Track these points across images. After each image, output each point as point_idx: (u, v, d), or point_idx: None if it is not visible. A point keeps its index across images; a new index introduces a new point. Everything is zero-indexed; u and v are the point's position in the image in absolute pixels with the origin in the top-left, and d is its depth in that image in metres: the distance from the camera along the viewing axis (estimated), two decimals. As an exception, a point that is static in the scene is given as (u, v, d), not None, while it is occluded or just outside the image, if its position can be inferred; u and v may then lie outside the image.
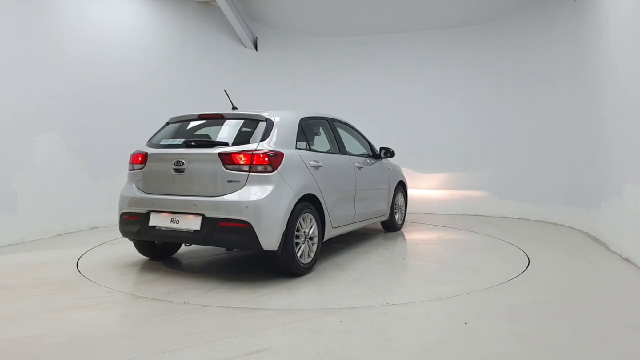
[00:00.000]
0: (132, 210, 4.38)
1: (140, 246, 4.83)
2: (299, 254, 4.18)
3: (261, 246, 3.89)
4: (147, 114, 7.28)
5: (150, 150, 4.46)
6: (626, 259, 4.73)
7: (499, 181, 8.13)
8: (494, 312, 3.36)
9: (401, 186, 6.72)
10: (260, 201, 3.88)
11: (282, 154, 4.14)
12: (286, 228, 4.00)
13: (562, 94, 7.14)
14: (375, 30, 8.78)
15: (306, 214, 4.30)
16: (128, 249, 5.40)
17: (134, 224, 4.36)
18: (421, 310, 3.36)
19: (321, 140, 5.34)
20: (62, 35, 6.41)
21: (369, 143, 6.07)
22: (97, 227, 6.83)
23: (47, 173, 6.16)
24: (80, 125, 6.61)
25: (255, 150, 4.02)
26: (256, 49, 9.17)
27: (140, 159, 4.47)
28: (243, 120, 4.41)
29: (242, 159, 3.98)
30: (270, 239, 3.91)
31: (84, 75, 6.67)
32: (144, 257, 5.01)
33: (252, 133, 4.21)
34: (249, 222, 3.84)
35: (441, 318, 3.22)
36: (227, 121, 4.48)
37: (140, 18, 7.61)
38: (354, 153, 5.68)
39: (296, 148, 4.43)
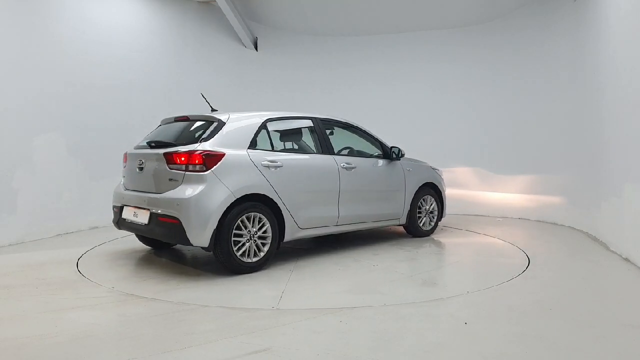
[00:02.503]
0: (115, 204, 4.97)
1: (140, 236, 5.28)
2: (239, 253, 4.26)
3: (190, 242, 4.10)
4: (147, 114, 7.27)
5: (129, 151, 4.94)
6: (626, 259, 4.73)
7: (498, 181, 8.13)
8: (494, 312, 3.36)
9: (430, 189, 6.21)
10: (189, 199, 4.06)
11: (222, 154, 4.24)
12: (219, 226, 4.13)
13: (562, 94, 7.14)
14: (376, 30, 8.78)
15: (253, 213, 4.35)
16: (128, 249, 5.42)
17: (115, 216, 4.94)
18: (421, 310, 3.36)
19: (305, 140, 5.33)
20: (63, 35, 6.41)
21: (381, 143, 5.76)
22: (97, 227, 6.83)
23: (47, 173, 6.16)
24: (80, 125, 6.61)
25: (193, 150, 4.21)
26: (256, 49, 9.17)
27: (125, 158, 4.99)
28: (199, 122, 4.65)
29: (182, 158, 4.20)
30: (198, 236, 4.08)
31: (84, 75, 6.67)
32: (144, 257, 5.04)
33: (200, 134, 4.44)
34: (178, 219, 4.08)
35: (441, 318, 3.22)
36: (190, 123, 4.74)
37: (140, 18, 7.61)
38: (366, 153, 5.60)
39: (252, 148, 4.50)
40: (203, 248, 4.17)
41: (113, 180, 6.71)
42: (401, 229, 6.37)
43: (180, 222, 4.07)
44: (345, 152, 5.62)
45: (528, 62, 7.72)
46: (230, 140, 4.40)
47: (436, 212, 6.32)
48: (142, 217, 4.43)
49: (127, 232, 5.31)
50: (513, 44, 7.89)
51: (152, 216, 4.31)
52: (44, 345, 2.79)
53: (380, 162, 5.69)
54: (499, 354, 2.65)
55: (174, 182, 4.22)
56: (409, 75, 8.69)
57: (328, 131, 5.48)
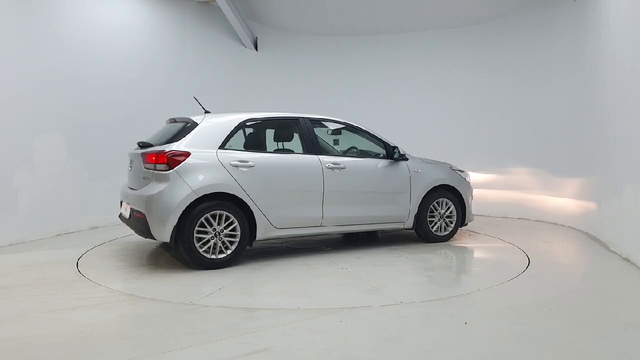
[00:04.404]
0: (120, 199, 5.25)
1: None
2: (202, 249, 4.42)
3: (153, 236, 4.38)
4: (147, 114, 7.27)
5: (129, 151, 5.23)
6: (626, 259, 4.73)
7: (498, 181, 8.13)
8: (494, 312, 3.36)
9: (448, 191, 5.77)
10: (152, 196, 4.35)
11: (187, 154, 4.44)
12: (180, 222, 4.32)
13: (562, 94, 7.14)
14: (375, 30, 8.78)
15: (219, 211, 4.47)
16: (127, 249, 5.42)
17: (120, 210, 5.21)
18: (421, 310, 3.36)
19: (294, 140, 5.35)
20: (63, 35, 6.41)
21: (384, 143, 5.53)
22: (97, 227, 6.83)
23: (47, 173, 6.16)
24: (80, 125, 6.60)
25: (159, 150, 4.49)
26: (256, 49, 9.17)
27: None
28: (181, 124, 4.89)
29: (153, 158, 4.47)
30: (159, 231, 4.34)
31: (83, 75, 6.66)
32: (143, 256, 5.06)
33: (175, 135, 4.69)
34: (144, 214, 4.38)
35: (441, 318, 3.22)
36: (175, 124, 5.00)
37: (140, 18, 7.61)
38: (371, 153, 5.52)
39: (223, 148, 4.64)
40: (167, 243, 4.38)
41: (113, 180, 6.74)
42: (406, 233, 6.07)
43: (146, 218, 4.36)
44: (354, 152, 5.59)
45: (528, 62, 7.71)
46: (201, 141, 4.59)
47: (455, 217, 5.83)
48: (127, 212, 4.83)
49: (127, 231, 5.33)
50: (513, 43, 7.88)
51: (131, 211, 4.68)
52: (44, 345, 2.79)
53: (381, 162, 5.46)
54: (499, 354, 2.65)
55: (146, 180, 4.55)
56: (408, 75, 8.68)
57: (338, 133, 5.46)
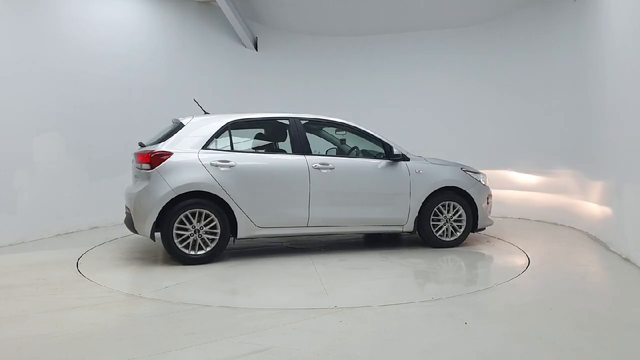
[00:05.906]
0: None
1: None
2: (181, 245, 4.59)
3: (137, 231, 4.68)
4: (147, 114, 7.27)
5: (132, 151, 5.38)
6: (626, 259, 4.73)
7: (498, 181, 8.12)
8: (494, 312, 3.36)
9: (456, 194, 5.40)
10: (136, 193, 4.66)
11: (168, 154, 4.65)
12: (160, 219, 4.54)
13: (562, 94, 7.13)
14: (376, 30, 8.77)
15: (199, 209, 4.63)
16: (128, 249, 5.42)
17: None
18: (421, 310, 3.36)
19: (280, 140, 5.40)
20: (62, 35, 6.41)
21: (383, 143, 5.32)
22: (97, 227, 6.83)
23: (47, 173, 6.15)
24: (80, 125, 6.60)
25: (145, 150, 4.77)
26: (256, 49, 9.17)
27: None
28: (174, 124, 5.11)
29: (140, 158, 4.76)
30: (141, 226, 4.62)
31: (84, 75, 6.66)
32: (143, 256, 5.07)
33: (164, 136, 4.94)
34: (130, 210, 4.72)
35: (441, 318, 3.22)
36: (171, 125, 5.20)
37: (141, 18, 7.60)
38: (373, 153, 5.42)
39: (206, 149, 4.80)
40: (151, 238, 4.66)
41: (113, 180, 6.76)
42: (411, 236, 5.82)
43: (131, 213, 4.69)
44: (354, 152, 5.52)
45: (528, 62, 7.69)
46: (185, 142, 4.79)
47: (464, 221, 5.43)
48: (125, 210, 5.10)
49: (127, 231, 5.34)
50: (513, 43, 7.86)
51: (125, 208, 5.01)
52: (44, 345, 2.79)
53: (377, 162, 5.27)
54: (499, 353, 2.65)
55: (136, 179, 4.89)
56: (408, 75, 8.66)
57: (341, 133, 5.51)
